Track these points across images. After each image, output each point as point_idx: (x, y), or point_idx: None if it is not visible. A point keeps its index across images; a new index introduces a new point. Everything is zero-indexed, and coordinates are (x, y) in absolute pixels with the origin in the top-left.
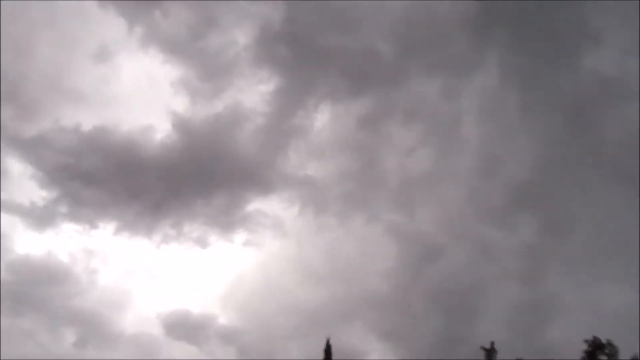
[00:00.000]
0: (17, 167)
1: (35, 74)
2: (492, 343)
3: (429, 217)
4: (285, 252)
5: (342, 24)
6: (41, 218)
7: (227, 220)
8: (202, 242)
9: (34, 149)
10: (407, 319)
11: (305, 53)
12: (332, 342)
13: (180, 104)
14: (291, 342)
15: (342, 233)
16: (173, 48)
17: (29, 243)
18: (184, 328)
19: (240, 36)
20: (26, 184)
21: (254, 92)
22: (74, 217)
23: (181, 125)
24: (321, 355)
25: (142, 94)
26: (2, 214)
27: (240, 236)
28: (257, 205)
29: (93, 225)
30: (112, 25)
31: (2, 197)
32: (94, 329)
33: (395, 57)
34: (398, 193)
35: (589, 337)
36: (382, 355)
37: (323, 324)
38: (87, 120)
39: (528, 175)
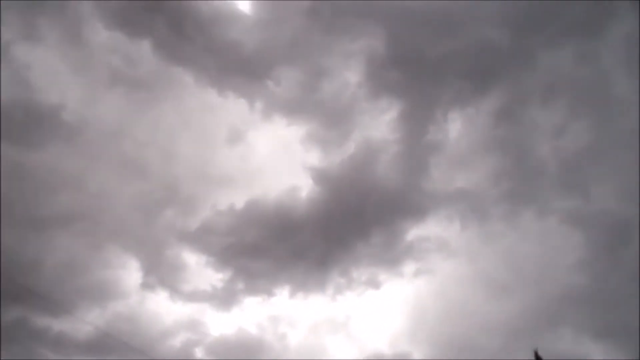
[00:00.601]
0: (192, 259)
1: (184, 172)
2: None
3: (607, 194)
4: (459, 272)
5: (445, 27)
6: (224, 299)
7: (392, 256)
8: (373, 284)
9: (201, 239)
10: (618, 311)
11: (417, 68)
12: (541, 353)
13: (315, 158)
14: None
15: (515, 236)
16: (293, 109)
17: (220, 324)
18: None
19: (350, 76)
20: (204, 272)
21: (379, 124)
22: (251, 290)
23: (320, 177)
24: None
25: (278, 159)
26: (192, 304)
27: (408, 267)
28: (416, 232)
29: (270, 293)
30: (235, 108)
31: (188, 288)
32: None
33: (512, 39)
34: (562, 177)
35: None
36: (603, 356)
37: (527, 335)
38: (238, 199)
39: None
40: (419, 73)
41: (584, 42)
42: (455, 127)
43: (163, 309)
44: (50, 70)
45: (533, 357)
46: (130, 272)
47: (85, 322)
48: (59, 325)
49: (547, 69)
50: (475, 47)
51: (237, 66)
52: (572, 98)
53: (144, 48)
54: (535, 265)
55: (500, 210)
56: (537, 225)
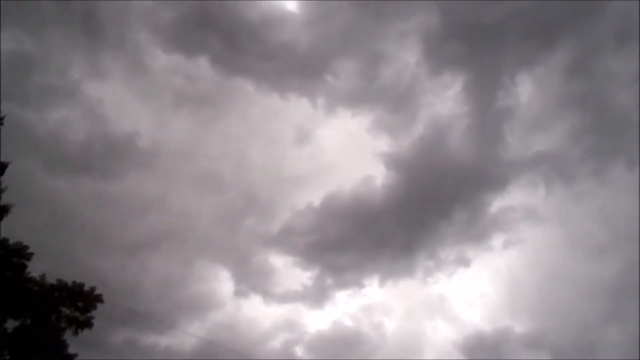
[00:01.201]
0: (279, 261)
1: (259, 178)
2: None
3: None
4: (551, 237)
5: None
6: (316, 296)
7: (478, 231)
8: (463, 262)
9: (285, 241)
10: None
11: (475, 36)
12: None
13: (384, 144)
14: (608, 326)
15: (606, 192)
16: (355, 99)
17: (316, 321)
18: (484, 349)
19: (408, 56)
20: (292, 273)
21: (445, 100)
22: (340, 284)
23: (393, 162)
24: None
25: (348, 151)
26: (286, 305)
27: (497, 240)
28: (500, 203)
29: (359, 284)
30: (298, 109)
31: (280, 290)
32: None
33: None
34: None
35: None
36: None
37: (631, 294)
38: (314, 196)
39: None
40: (478, 41)
41: None
42: (526, 89)
43: (259, 313)
44: (120, 102)
45: None
46: (222, 282)
47: (189, 335)
48: (165, 340)
49: (615, 13)
50: (533, 3)
51: (294, 67)
52: None
53: (203, 65)
54: (632, 220)
55: (586, 168)
56: (629, 178)
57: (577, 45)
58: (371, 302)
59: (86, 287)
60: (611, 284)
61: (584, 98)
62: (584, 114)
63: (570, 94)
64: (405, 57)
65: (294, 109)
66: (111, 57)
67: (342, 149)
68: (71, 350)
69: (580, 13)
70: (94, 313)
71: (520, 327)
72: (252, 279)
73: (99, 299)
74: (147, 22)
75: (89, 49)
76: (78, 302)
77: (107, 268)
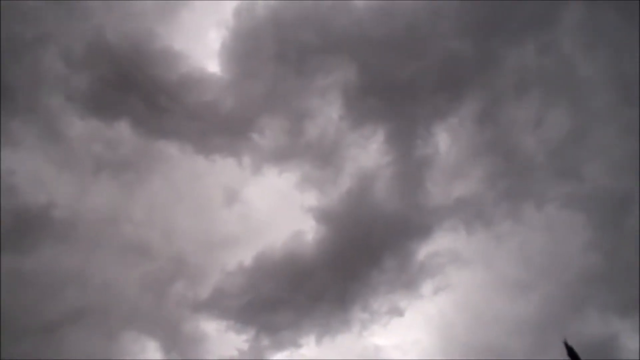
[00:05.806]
0: (211, 326)
1: (187, 242)
2: None
3: (598, 171)
4: (476, 279)
5: (408, 48)
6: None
7: (407, 279)
8: (396, 311)
9: (216, 304)
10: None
11: (391, 92)
12: (571, 341)
13: (312, 198)
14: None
15: (521, 231)
16: (281, 156)
17: None
18: None
19: (331, 112)
20: (226, 337)
21: (368, 151)
22: (277, 345)
23: (322, 216)
24: None
25: (277, 208)
26: None
27: (427, 287)
28: (426, 249)
29: (296, 344)
30: (224, 169)
31: (211, 358)
32: None
33: (474, 45)
34: (552, 165)
35: None
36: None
37: (555, 326)
38: (245, 256)
39: None
40: (394, 95)
41: (542, 34)
42: (442, 140)
43: None
44: (34, 172)
45: (565, 349)
46: (149, 354)
47: None
48: None
49: (513, 66)
50: (441, 61)
51: (218, 127)
52: (543, 88)
53: (123, 129)
54: (547, 255)
55: (502, 210)
56: (539, 217)
57: (482, 96)
58: None
59: None
60: (534, 318)
61: (493, 144)
62: (495, 159)
63: (481, 142)
64: (328, 111)
65: (220, 170)
66: (22, 124)
67: (271, 207)
68: None
69: (482, 67)
70: None
71: None
72: (183, 348)
73: None
74: (61, 88)
75: None
76: None
77: (21, 351)
